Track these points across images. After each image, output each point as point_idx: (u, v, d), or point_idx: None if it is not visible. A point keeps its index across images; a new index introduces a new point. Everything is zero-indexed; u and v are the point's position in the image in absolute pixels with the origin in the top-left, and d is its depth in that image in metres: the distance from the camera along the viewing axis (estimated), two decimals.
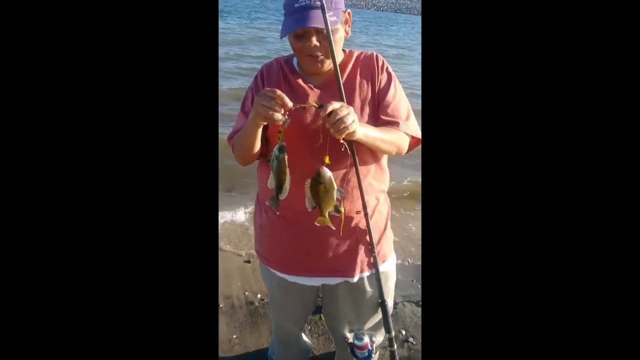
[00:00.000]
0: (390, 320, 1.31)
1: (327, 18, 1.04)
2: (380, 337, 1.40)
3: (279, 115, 0.97)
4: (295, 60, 1.25)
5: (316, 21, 1.05)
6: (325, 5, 1.04)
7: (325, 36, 1.07)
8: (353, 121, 0.97)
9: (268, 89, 1.00)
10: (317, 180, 1.02)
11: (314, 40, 1.09)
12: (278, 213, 1.12)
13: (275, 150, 1.03)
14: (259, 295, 2.36)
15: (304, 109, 1.07)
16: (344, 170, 1.13)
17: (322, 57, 1.13)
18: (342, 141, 1.01)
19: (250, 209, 3.25)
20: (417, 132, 1.21)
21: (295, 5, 1.07)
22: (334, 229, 1.10)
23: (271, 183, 1.07)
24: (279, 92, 0.97)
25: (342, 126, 0.96)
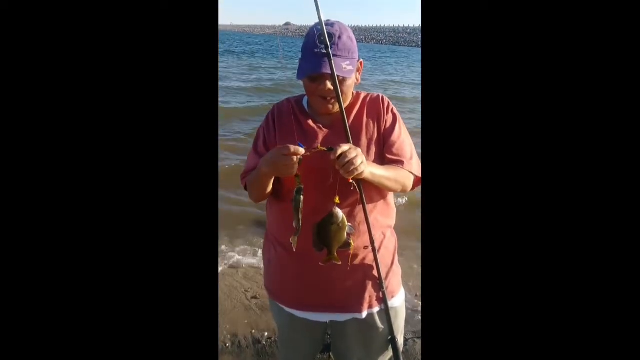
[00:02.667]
0: (401, 357, 1.28)
1: (343, 67, 1.14)
2: None
3: (295, 169, 1.05)
4: (305, 100, 1.31)
5: (337, 69, 1.12)
6: (342, 54, 1.14)
7: (339, 81, 1.14)
8: (362, 162, 1.02)
9: (281, 146, 1.05)
10: (330, 222, 1.05)
11: (328, 84, 1.15)
12: (294, 250, 1.14)
13: (295, 192, 1.07)
14: (266, 334, 2.32)
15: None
16: (350, 206, 1.16)
17: (334, 100, 1.19)
18: (351, 181, 1.05)
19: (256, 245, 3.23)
20: (420, 172, 1.24)
21: (315, 50, 1.14)
22: (340, 263, 1.12)
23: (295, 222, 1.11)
24: (292, 147, 1.03)
25: (352, 168, 1.00)
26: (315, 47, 1.14)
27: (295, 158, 1.03)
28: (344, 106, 1.16)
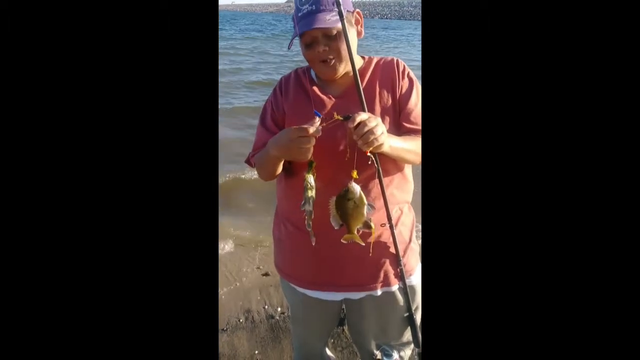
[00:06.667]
0: (420, 333, 1.27)
1: (326, 19, 1.05)
2: (408, 352, 1.36)
3: (310, 153, 0.99)
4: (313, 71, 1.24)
5: (319, 23, 1.05)
6: (326, 8, 1.06)
7: (333, 38, 1.08)
8: (382, 133, 0.94)
9: (297, 127, 0.96)
10: (346, 197, 0.98)
11: (322, 45, 1.09)
12: (312, 232, 1.11)
13: (309, 178, 1.03)
14: (279, 309, 2.33)
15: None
16: (365, 180, 1.09)
17: (334, 60, 1.11)
18: (368, 154, 0.97)
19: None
20: None
21: (299, 14, 1.08)
22: (364, 245, 1.06)
23: (305, 206, 1.05)
24: (310, 129, 0.95)
25: (372, 138, 0.91)
26: (299, 12, 1.08)
27: (312, 140, 0.95)
28: (351, 67, 1.06)
